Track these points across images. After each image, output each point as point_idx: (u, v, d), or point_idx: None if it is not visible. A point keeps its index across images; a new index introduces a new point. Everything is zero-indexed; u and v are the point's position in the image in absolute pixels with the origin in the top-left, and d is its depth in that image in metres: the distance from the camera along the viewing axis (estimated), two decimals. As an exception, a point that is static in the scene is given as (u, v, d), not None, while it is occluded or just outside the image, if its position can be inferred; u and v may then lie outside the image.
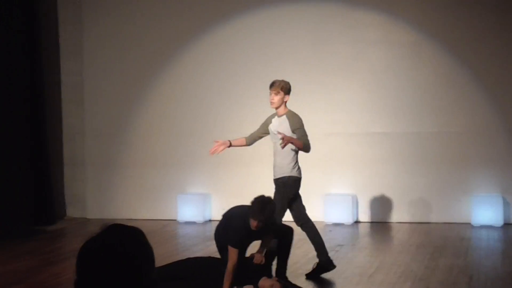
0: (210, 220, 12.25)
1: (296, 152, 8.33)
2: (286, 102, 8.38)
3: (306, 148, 8.27)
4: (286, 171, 8.29)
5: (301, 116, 12.18)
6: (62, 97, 13.02)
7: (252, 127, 12.38)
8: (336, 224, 11.84)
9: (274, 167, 8.40)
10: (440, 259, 9.29)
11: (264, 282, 7.37)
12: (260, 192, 7.63)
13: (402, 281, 8.17)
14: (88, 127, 12.94)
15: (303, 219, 8.42)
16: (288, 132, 8.18)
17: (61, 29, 12.97)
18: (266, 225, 7.30)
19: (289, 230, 7.78)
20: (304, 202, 12.09)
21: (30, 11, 12.04)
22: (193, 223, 12.17)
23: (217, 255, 7.92)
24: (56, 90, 12.96)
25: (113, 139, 12.82)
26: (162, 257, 8.63)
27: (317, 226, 11.66)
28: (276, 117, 8.40)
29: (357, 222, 12.12)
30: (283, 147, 8.06)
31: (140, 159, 12.80)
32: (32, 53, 12.05)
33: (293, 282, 7.78)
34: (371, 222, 12.04)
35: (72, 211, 13.08)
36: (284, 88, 8.35)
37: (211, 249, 8.93)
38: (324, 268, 8.36)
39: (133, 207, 12.77)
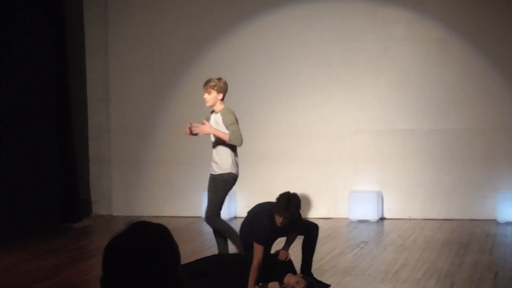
0: (235, 217, 12.27)
1: (232, 149, 8.49)
2: (221, 100, 8.55)
3: (233, 140, 8.40)
4: (226, 167, 8.46)
5: (326, 113, 12.23)
6: (88, 96, 13.09)
7: (280, 124, 12.42)
8: (361, 221, 11.82)
9: (213, 163, 8.55)
10: (465, 255, 9.25)
11: (289, 279, 7.38)
12: (285, 189, 7.63)
13: (427, 278, 8.15)
14: (114, 125, 13.00)
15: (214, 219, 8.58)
16: (222, 128, 8.40)
17: (86, 28, 13.05)
18: (291, 221, 7.31)
19: (315, 227, 7.78)
20: (329, 199, 12.18)
21: (56, 11, 12.12)
22: (219, 220, 12.17)
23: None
24: (82, 89, 13.03)
25: (139, 137, 12.88)
26: (187, 254, 8.68)
27: (342, 223, 11.74)
28: (213, 113, 8.59)
29: (382, 219, 12.09)
30: (192, 133, 8.38)
31: (166, 156, 12.85)
32: (58, 52, 12.12)
33: (318, 278, 7.78)
34: (397, 219, 12.01)
35: (98, 209, 13.16)
36: (217, 87, 8.52)
37: (236, 246, 8.93)
38: None
39: (159, 204, 12.82)
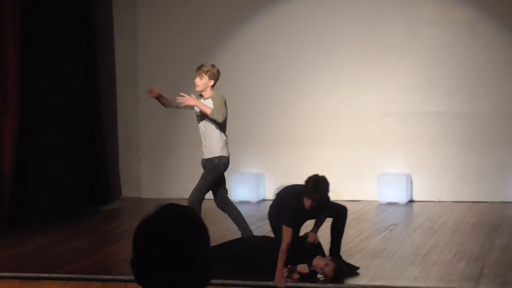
0: (263, 200, 12.29)
1: (222, 131, 8.43)
2: (212, 86, 8.48)
3: (215, 114, 8.31)
4: (216, 151, 8.42)
5: (355, 95, 12.18)
6: (117, 79, 13.14)
7: (308, 107, 12.39)
8: (390, 204, 11.79)
9: (205, 148, 8.53)
10: (495, 238, 9.20)
11: (318, 261, 7.39)
12: (314, 172, 7.63)
13: (456, 260, 8.12)
14: (142, 108, 13.04)
15: (224, 202, 8.58)
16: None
17: (115, 11, 13.07)
18: (320, 204, 7.30)
19: (343, 209, 7.77)
20: (358, 181, 12.16)
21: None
22: (247, 202, 12.22)
23: (271, 235, 7.96)
24: (111, 72, 13.08)
25: (167, 120, 12.91)
26: (216, 236, 8.70)
27: (371, 206, 11.72)
28: (202, 99, 8.48)
29: (411, 201, 12.05)
30: (180, 104, 8.39)
31: (194, 139, 12.82)
32: (87, 36, 12.16)
33: (347, 261, 7.78)
34: (426, 202, 11.96)
35: (127, 191, 13.23)
36: (209, 73, 8.46)
37: (265, 229, 8.97)
38: None
39: (187, 187, 12.78)
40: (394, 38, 12.10)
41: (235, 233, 9.40)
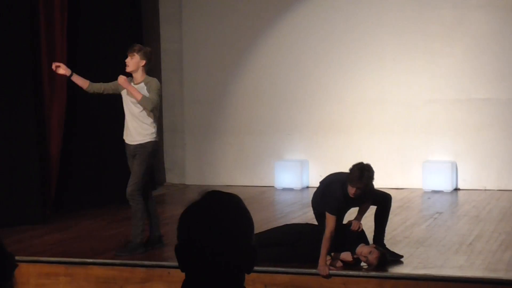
0: (307, 187, 12.29)
1: (155, 116, 8.04)
2: (143, 67, 7.99)
3: (144, 101, 7.86)
4: (147, 136, 7.97)
5: (400, 81, 12.09)
6: (162, 65, 13.21)
7: (352, 93, 12.34)
8: (435, 191, 11.71)
9: (130, 131, 8.02)
10: (542, 228, 9.09)
11: (361, 249, 7.38)
12: (358, 159, 7.61)
13: (502, 249, 8.04)
14: (187, 94, 13.10)
15: (146, 191, 8.13)
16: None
17: (160, -3, 13.14)
18: (364, 192, 7.28)
19: (388, 197, 7.74)
20: (403, 169, 12.09)
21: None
22: (291, 189, 12.23)
23: (314, 222, 7.96)
24: (156, 58, 13.13)
25: (212, 106, 12.96)
26: (259, 223, 8.72)
27: (416, 193, 11.64)
28: (132, 83, 8.03)
29: (456, 189, 11.96)
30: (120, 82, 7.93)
31: (239, 125, 12.91)
32: (133, 21, 12.22)
33: (391, 249, 7.75)
34: (471, 190, 11.86)
35: (171, 177, 13.32)
36: (141, 52, 7.95)
37: (308, 216, 8.97)
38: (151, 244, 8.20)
39: (231, 174, 12.91)
40: (440, 23, 11.98)
41: (279, 220, 9.42)
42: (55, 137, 10.53)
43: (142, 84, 8.01)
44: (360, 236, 7.57)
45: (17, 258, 1.50)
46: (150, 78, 8.06)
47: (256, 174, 12.76)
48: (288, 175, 12.33)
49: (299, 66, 12.59)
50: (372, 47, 12.24)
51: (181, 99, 13.15)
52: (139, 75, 8.01)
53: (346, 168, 7.41)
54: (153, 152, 8.07)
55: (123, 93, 8.09)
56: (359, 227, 7.59)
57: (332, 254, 7.39)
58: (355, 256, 7.41)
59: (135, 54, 7.95)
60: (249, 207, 2.15)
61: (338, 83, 12.40)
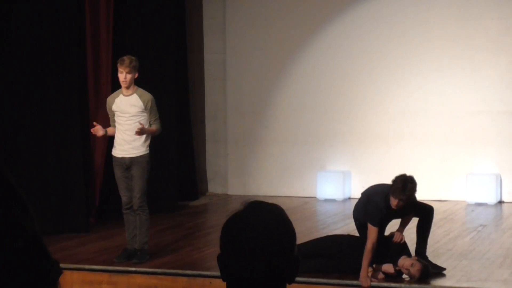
0: (349, 198, 12.24)
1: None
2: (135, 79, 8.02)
3: (158, 132, 8.13)
4: (143, 149, 8.05)
5: (444, 92, 12.00)
6: (205, 75, 13.27)
7: (396, 104, 12.28)
8: (479, 204, 11.59)
9: (124, 145, 8.01)
10: None
11: (403, 261, 7.33)
12: (400, 170, 7.57)
13: (547, 263, 7.93)
14: (230, 104, 13.14)
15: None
16: (141, 110, 7.96)
17: (205, 8, 13.21)
18: (406, 204, 7.24)
19: (430, 209, 7.69)
20: (446, 181, 11.99)
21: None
22: (333, 200, 12.19)
23: (356, 233, 7.93)
24: (200, 68, 13.23)
25: (254, 116, 12.98)
26: (302, 234, 8.70)
27: (459, 206, 11.53)
28: (120, 95, 8.03)
29: (500, 202, 11.82)
30: (140, 133, 7.89)
31: (281, 136, 12.91)
32: (178, 32, 12.30)
33: (434, 261, 7.69)
34: (516, 203, 11.71)
35: (214, 187, 13.36)
36: (135, 66, 7.94)
37: (350, 227, 8.93)
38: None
39: (274, 184, 12.91)
40: (485, 34, 11.88)
41: (321, 231, 9.40)
42: (99, 145, 10.62)
43: (135, 95, 8.03)
44: (402, 248, 7.53)
45: (61, 265, 1.52)
46: (141, 89, 8.10)
47: (298, 184, 12.75)
48: (331, 186, 12.30)
49: (343, 77, 12.56)
50: (416, 57, 12.16)
51: (224, 109, 13.20)
52: (130, 87, 8.04)
53: (388, 180, 7.38)
54: (150, 161, 8.18)
55: (116, 107, 8.08)
56: (401, 239, 7.55)
57: (374, 265, 7.36)
58: (397, 268, 7.37)
59: (131, 69, 7.92)
60: (291, 218, 2.15)
61: (381, 94, 12.34)
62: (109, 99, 8.26)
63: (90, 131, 8.31)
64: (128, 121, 8.03)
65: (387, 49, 12.30)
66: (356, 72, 12.44)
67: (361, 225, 7.67)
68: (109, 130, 8.18)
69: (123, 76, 7.95)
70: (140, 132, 7.92)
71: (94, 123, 8.21)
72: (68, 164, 9.97)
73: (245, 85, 13.04)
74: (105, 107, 8.34)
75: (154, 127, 8.13)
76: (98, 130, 8.06)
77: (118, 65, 8.02)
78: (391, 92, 12.32)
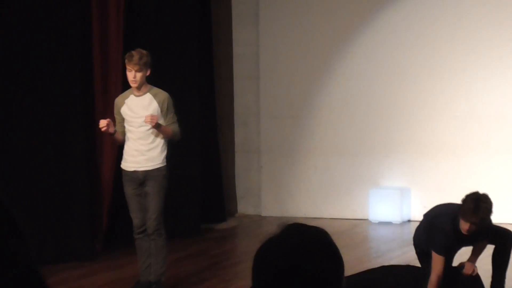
0: (409, 221, 12.21)
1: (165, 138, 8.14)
2: (147, 77, 8.05)
3: (175, 136, 8.13)
4: (159, 161, 8.11)
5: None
6: (234, 73, 13.29)
7: (465, 108, 12.23)
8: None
9: (137, 156, 8.06)
10: None
11: (476, 298, 7.30)
12: (471, 187, 7.53)
13: None
14: (264, 107, 13.15)
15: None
16: (154, 112, 7.98)
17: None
18: (479, 228, 7.20)
19: (509, 234, 7.64)
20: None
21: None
22: (389, 223, 12.17)
23: (417, 263, 7.91)
24: (228, 65, 13.24)
25: (294, 122, 12.98)
26: (351, 263, 8.69)
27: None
28: (131, 96, 8.09)
29: None
30: (152, 126, 7.88)
31: (326, 146, 12.90)
32: (202, 22, 12.32)
33: (513, 299, 7.65)
34: None
35: (244, 207, 13.36)
36: (147, 61, 7.97)
37: (410, 256, 8.91)
38: None
39: (316, 203, 12.90)
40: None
41: (374, 260, 9.37)
42: (108, 159, 10.65)
43: (148, 95, 8.11)
44: (475, 282, 7.49)
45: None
46: (155, 88, 8.17)
47: (346, 204, 12.73)
48: (386, 205, 12.27)
49: (399, 75, 12.52)
50: (487, 52, 12.11)
51: (257, 113, 13.21)
52: (142, 86, 8.10)
53: (457, 199, 7.34)
54: (167, 174, 8.22)
55: (127, 114, 8.11)
56: (474, 271, 7.52)
57: (440, 303, 7.33)
58: (468, 307, 7.33)
59: (141, 66, 7.96)
60: (338, 244, 2.14)
61: (447, 95, 12.30)
62: (117, 100, 8.30)
63: (96, 134, 8.35)
64: (141, 128, 8.05)
65: (455, 42, 12.25)
66: (416, 69, 12.40)
67: (423, 254, 7.65)
68: (118, 133, 8.19)
69: (132, 74, 8.00)
70: (152, 121, 7.84)
71: (102, 120, 8.14)
72: (70, 179, 10.02)
73: (282, 84, 13.05)
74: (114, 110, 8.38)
75: (171, 130, 8.12)
76: (109, 125, 8.00)
77: (126, 61, 8.06)
78: (460, 93, 12.27)
